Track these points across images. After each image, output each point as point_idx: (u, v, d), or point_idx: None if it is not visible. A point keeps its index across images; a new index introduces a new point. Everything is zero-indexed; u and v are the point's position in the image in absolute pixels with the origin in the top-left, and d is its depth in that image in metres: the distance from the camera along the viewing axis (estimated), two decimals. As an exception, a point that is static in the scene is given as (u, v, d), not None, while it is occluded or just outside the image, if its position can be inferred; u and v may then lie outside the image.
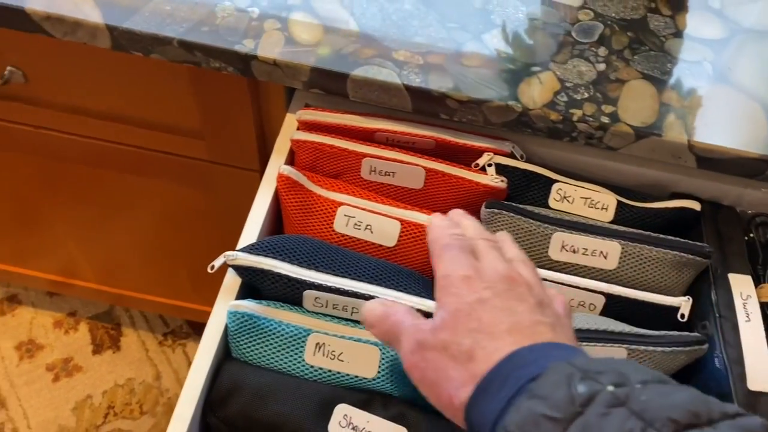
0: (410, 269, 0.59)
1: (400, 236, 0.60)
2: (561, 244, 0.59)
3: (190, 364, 1.32)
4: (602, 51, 0.63)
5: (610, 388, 0.31)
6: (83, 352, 1.33)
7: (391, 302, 0.44)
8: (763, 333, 0.56)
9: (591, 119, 0.58)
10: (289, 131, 0.64)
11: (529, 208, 0.60)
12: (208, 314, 0.54)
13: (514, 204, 0.60)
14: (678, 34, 0.66)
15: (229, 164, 0.78)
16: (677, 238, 0.59)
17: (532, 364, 0.34)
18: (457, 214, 0.50)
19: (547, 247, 0.59)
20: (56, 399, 1.28)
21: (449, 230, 0.45)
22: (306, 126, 0.64)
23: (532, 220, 0.59)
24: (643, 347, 0.53)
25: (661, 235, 0.59)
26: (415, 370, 0.39)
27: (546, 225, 0.59)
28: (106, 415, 1.26)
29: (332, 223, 0.60)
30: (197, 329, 1.36)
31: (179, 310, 1.20)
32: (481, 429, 0.34)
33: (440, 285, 0.41)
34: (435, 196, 0.63)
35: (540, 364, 0.33)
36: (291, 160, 0.65)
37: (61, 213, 0.99)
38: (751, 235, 0.64)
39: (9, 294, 1.38)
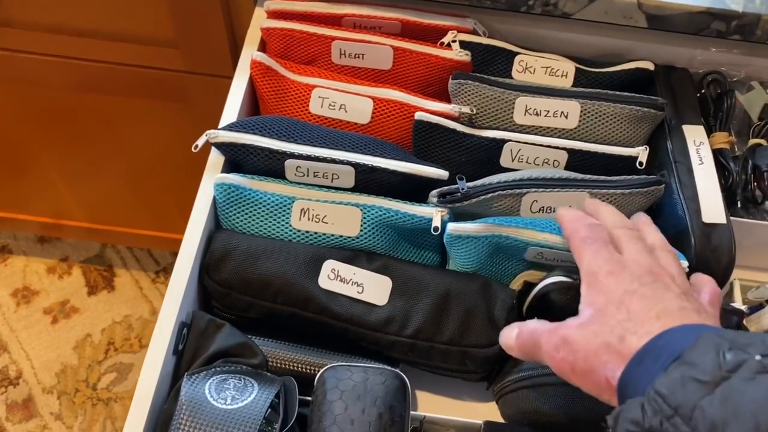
0: (385, 140, 0.62)
1: (373, 113, 0.63)
2: (525, 107, 0.62)
3: (184, 297, 1.35)
4: (554, -76, 0.66)
5: (758, 357, 0.32)
6: (79, 294, 1.36)
7: (519, 322, 0.46)
8: (715, 174, 0.60)
9: (545, -15, 0.62)
10: (259, 23, 0.67)
11: (493, 77, 0.64)
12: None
13: (478, 74, 0.63)
14: None
15: (204, 72, 0.81)
16: (632, 94, 0.63)
17: (682, 340, 0.35)
18: (594, 202, 0.50)
19: (512, 112, 0.62)
20: (57, 340, 1.31)
21: (585, 221, 0.46)
22: (275, 15, 0.66)
23: (496, 87, 0.62)
24: (603, 190, 0.57)
25: (617, 92, 0.63)
26: (564, 364, 0.41)
27: (509, 91, 0.62)
28: (107, 351, 1.30)
29: (308, 105, 0.63)
30: (188, 265, 1.39)
31: (170, 243, 1.23)
32: (632, 396, 0.35)
33: (586, 282, 0.43)
34: (404, 75, 0.66)
35: (690, 340, 0.35)
36: (263, 51, 0.67)
37: (44, 147, 1.01)
38: (703, 91, 0.68)
39: (-1, 245, 1.41)
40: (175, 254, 1.40)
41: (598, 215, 0.49)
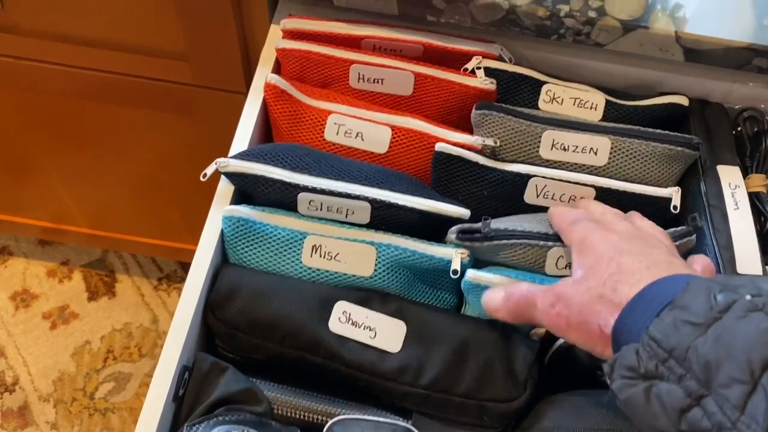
0: (402, 172, 0.59)
1: (391, 142, 0.60)
2: (551, 142, 0.59)
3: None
4: (588, -52, 0.62)
5: (748, 297, 0.32)
6: (78, 299, 1.33)
7: (507, 282, 0.47)
8: (751, 220, 0.57)
9: (578, 14, 0.58)
10: (274, 42, 0.64)
11: (518, 108, 0.60)
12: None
13: (503, 105, 0.60)
14: (664, -70, 0.65)
15: (215, 87, 0.78)
16: (666, 132, 0.59)
17: (673, 286, 0.36)
18: (584, 201, 0.54)
19: (538, 146, 0.59)
20: (55, 346, 1.28)
21: (573, 211, 0.48)
22: (291, 35, 0.63)
23: (522, 120, 0.59)
24: (634, 236, 0.54)
25: (650, 129, 0.60)
26: (559, 319, 0.42)
27: (536, 124, 0.59)
28: (106, 359, 1.27)
29: (323, 132, 0.60)
30: (191, 273, 1.36)
31: (173, 252, 1.20)
32: (626, 343, 0.36)
33: (577, 249, 0.44)
34: (425, 102, 0.63)
35: (681, 286, 0.35)
36: (277, 71, 0.64)
37: (48, 154, 0.98)
38: (739, 128, 0.64)
39: None
40: (178, 263, 1.37)
41: (587, 207, 0.52)
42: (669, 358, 0.33)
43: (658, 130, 0.59)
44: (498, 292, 0.47)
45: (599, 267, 0.41)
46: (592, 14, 0.58)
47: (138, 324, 1.31)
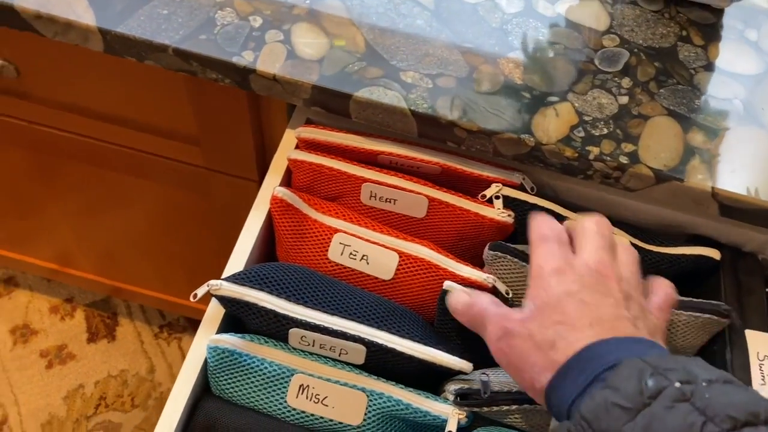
0: (406, 307, 0.55)
1: (398, 269, 0.56)
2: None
3: (184, 358, 1.29)
4: (626, 82, 0.59)
5: (677, 384, 0.33)
6: (78, 339, 1.31)
7: (475, 291, 0.48)
8: (779, 399, 0.52)
9: (609, 158, 0.54)
10: (287, 148, 0.61)
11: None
12: (204, 313, 0.52)
13: (519, 249, 0.56)
14: (709, 66, 0.61)
15: (226, 172, 0.75)
16: (690, 300, 0.55)
17: (608, 355, 0.37)
18: (581, 219, 0.50)
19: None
20: (48, 386, 1.26)
21: (549, 222, 0.47)
22: (305, 144, 0.60)
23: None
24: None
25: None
26: (501, 355, 0.43)
27: None
28: (98, 406, 1.25)
29: (327, 250, 0.57)
30: (194, 324, 1.34)
31: (176, 306, 1.18)
32: (559, 410, 0.38)
33: (533, 275, 0.44)
34: (438, 227, 0.59)
35: (616, 356, 0.36)
36: (288, 179, 0.61)
37: (56, 204, 0.97)
38: (773, 287, 0.60)
39: (7, 276, 1.37)
40: (182, 316, 1.34)
41: (581, 224, 0.46)
42: None
43: (685, 299, 0.55)
44: (464, 297, 0.48)
45: (545, 309, 0.41)
46: (623, 159, 0.54)
47: (134, 372, 1.29)
